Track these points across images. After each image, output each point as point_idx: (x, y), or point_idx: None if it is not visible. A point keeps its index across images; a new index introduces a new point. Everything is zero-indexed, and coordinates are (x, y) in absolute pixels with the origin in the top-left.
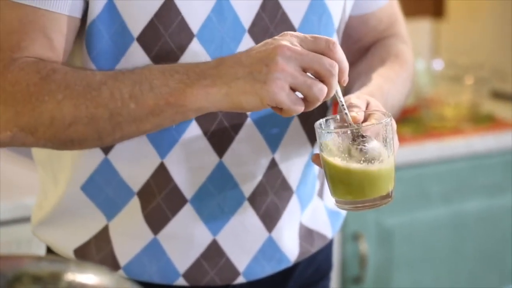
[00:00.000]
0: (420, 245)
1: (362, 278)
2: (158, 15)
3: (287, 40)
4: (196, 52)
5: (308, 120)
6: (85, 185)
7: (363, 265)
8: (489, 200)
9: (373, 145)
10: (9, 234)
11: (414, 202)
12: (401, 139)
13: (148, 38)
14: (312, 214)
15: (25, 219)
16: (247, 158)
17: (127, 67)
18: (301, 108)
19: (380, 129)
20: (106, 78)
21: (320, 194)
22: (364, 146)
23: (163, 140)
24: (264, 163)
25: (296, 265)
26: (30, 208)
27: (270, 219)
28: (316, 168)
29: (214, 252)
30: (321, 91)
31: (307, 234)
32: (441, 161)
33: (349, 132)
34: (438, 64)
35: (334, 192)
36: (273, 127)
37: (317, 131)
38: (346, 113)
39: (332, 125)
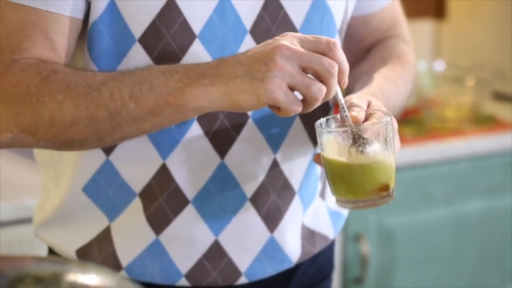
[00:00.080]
0: (422, 245)
1: (364, 278)
2: (160, 16)
3: (287, 40)
4: (198, 53)
5: (310, 121)
6: (87, 187)
7: (364, 265)
8: (490, 201)
9: (373, 144)
10: (11, 235)
11: (415, 202)
12: (403, 140)
13: (150, 39)
14: (314, 215)
15: (27, 220)
16: (249, 158)
17: (128, 68)
18: (298, 108)
19: (381, 128)
20: (106, 79)
21: (322, 195)
22: (365, 146)
23: (165, 141)
24: (266, 163)
25: (297, 266)
26: (31, 209)
27: (272, 219)
28: (318, 169)
29: (216, 252)
30: (320, 91)
31: (309, 234)
32: (443, 162)
33: (349, 131)
34: (439, 65)
35: (335, 191)
36: (274, 127)
37: (318, 130)
38: (346, 115)
39: (333, 125)
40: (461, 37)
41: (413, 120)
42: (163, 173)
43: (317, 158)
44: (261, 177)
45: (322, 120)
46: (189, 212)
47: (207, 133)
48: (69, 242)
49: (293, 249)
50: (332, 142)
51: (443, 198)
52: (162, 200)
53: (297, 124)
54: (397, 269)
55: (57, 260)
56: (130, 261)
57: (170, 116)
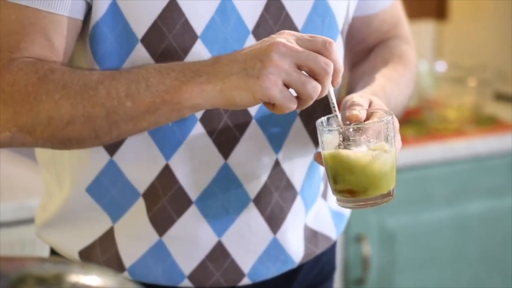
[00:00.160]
0: (423, 246)
1: (365, 280)
2: (162, 16)
3: (284, 38)
4: (200, 53)
5: (311, 121)
6: (91, 187)
7: (365, 267)
8: (491, 202)
9: (374, 144)
10: (12, 235)
11: (416, 203)
12: (404, 140)
13: (152, 40)
14: (316, 216)
15: (29, 220)
16: (252, 159)
17: None
18: (294, 106)
19: (382, 127)
20: (103, 78)
21: (324, 195)
22: (366, 145)
23: (168, 142)
24: (268, 163)
25: (300, 267)
26: (33, 209)
27: (275, 220)
28: (321, 170)
29: (219, 253)
30: (315, 89)
31: (311, 235)
32: (444, 163)
33: (351, 130)
34: (441, 66)
35: (335, 190)
36: (276, 126)
37: (319, 129)
38: (336, 115)
39: (334, 123)
40: (463, 37)
41: (414, 121)
42: (166, 174)
43: (318, 157)
44: (263, 178)
45: (323, 119)
46: (192, 212)
47: (210, 133)
48: (72, 243)
49: (296, 250)
50: (333, 141)
51: (444, 199)
52: (165, 201)
53: (298, 124)
54: (398, 270)
55: (59, 261)
56: (133, 262)
57: (167, 114)
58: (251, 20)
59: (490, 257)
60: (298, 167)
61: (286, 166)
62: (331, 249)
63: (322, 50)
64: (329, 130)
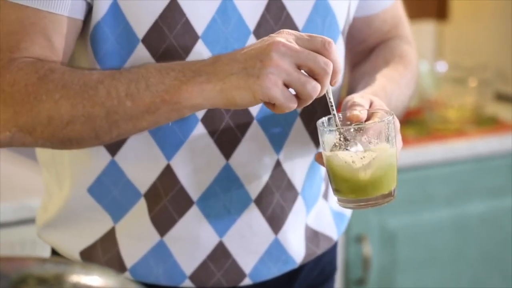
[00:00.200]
0: (424, 247)
1: (366, 280)
2: (162, 16)
3: (283, 37)
4: (201, 53)
5: (312, 121)
6: (92, 187)
7: (366, 267)
8: (492, 202)
9: (375, 144)
10: (13, 236)
11: (417, 204)
12: (405, 141)
13: (153, 40)
14: (317, 216)
15: (29, 221)
16: (253, 159)
17: None
18: (294, 105)
19: (382, 127)
20: (103, 77)
21: (325, 195)
22: (367, 145)
23: (169, 142)
24: (269, 163)
25: (301, 267)
26: (34, 209)
27: (276, 220)
28: (322, 170)
29: (220, 253)
30: (314, 89)
31: (312, 235)
32: (445, 163)
33: (351, 130)
34: (441, 66)
35: (336, 190)
36: (277, 127)
37: (319, 129)
38: (334, 114)
39: (334, 124)
40: (463, 38)
41: (415, 121)
42: (168, 174)
43: (319, 157)
44: (265, 178)
45: (324, 119)
46: (193, 213)
47: (212, 133)
48: (73, 243)
49: (297, 250)
50: (334, 141)
51: (445, 199)
52: (167, 201)
53: (298, 124)
54: (399, 270)
55: (60, 261)
56: (135, 262)
57: (166, 113)
58: (252, 20)
59: (491, 258)
60: (299, 167)
61: (287, 167)
62: (332, 250)
63: (322, 50)
64: (329, 130)
